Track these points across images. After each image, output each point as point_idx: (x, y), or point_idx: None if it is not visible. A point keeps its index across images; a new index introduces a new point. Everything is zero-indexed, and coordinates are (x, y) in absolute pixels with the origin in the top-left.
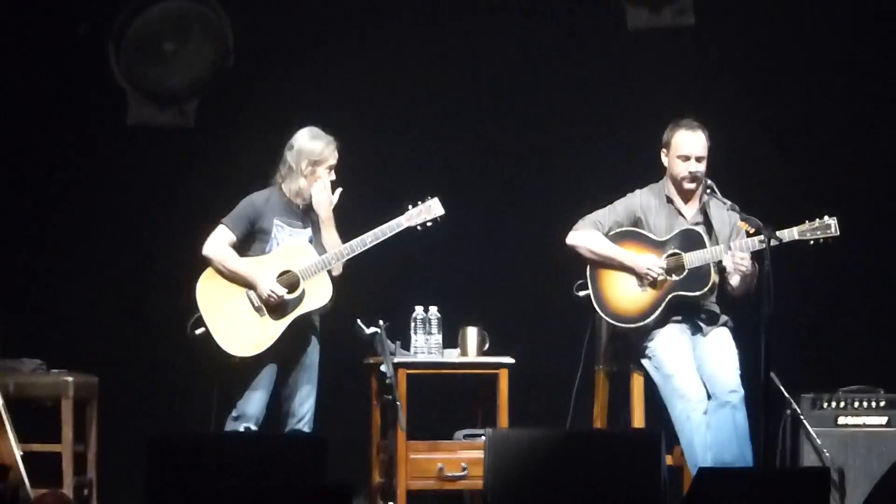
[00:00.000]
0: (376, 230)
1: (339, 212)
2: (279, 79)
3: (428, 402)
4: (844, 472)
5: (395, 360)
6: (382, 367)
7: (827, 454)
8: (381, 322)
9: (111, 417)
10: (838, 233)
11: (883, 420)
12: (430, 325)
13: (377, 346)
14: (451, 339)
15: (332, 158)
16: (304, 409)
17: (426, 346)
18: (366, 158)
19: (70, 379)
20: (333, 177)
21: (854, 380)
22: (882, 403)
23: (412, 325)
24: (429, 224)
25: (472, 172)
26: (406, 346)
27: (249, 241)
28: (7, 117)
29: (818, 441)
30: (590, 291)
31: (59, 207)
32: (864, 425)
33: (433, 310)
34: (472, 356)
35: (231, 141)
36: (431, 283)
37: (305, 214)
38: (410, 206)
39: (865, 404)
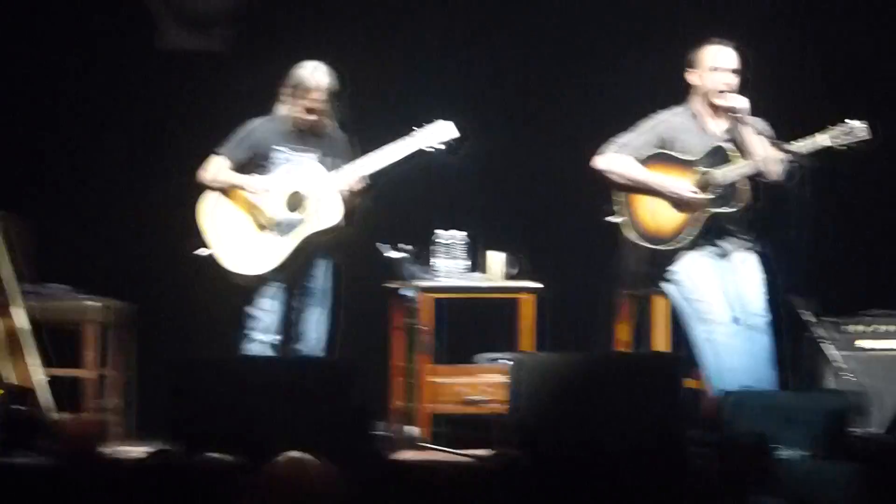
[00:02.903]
0: (385, 148)
1: (360, 138)
2: (310, 6)
3: (452, 325)
4: (866, 395)
5: (422, 283)
6: (406, 291)
7: (848, 377)
8: (406, 246)
9: (137, 343)
10: (869, 136)
11: None
12: (454, 248)
13: (401, 269)
14: (475, 264)
15: (314, 87)
16: (310, 334)
17: (451, 269)
18: (386, 84)
19: (97, 304)
20: (315, 105)
21: (876, 304)
22: None
23: (436, 248)
24: (442, 147)
25: (495, 97)
26: (429, 270)
27: (249, 169)
28: (36, 41)
29: (839, 364)
30: (621, 216)
31: (88, 134)
32: (885, 349)
33: (459, 233)
34: (498, 280)
35: (264, 67)
36: (456, 208)
37: (309, 138)
38: (420, 126)
39: (886, 328)
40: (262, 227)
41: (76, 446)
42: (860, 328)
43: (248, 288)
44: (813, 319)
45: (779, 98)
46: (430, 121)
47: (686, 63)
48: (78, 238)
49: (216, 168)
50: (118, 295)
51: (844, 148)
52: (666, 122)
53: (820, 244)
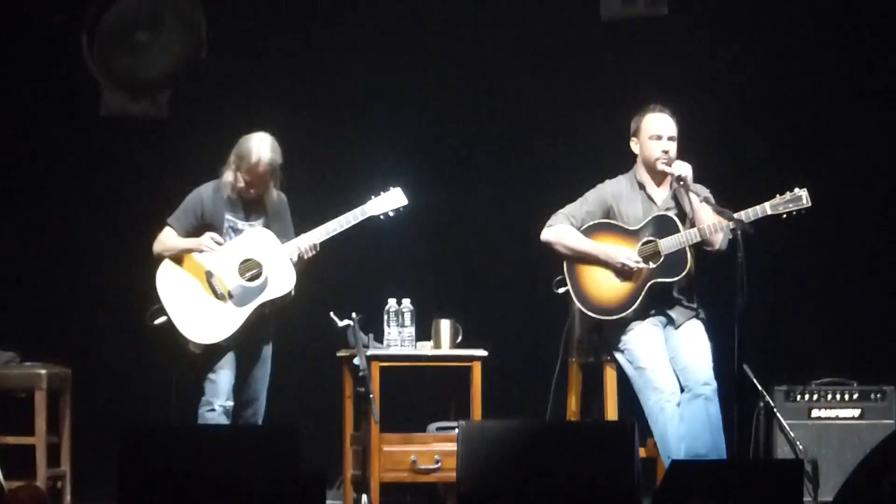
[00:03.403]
0: (339, 218)
1: (308, 205)
2: (251, 70)
3: (401, 394)
4: (818, 464)
5: (369, 352)
6: (355, 360)
7: (800, 446)
8: (354, 314)
9: (84, 409)
10: (810, 203)
11: (856, 412)
12: (403, 317)
13: (350, 338)
14: (425, 331)
15: (256, 162)
16: (258, 402)
17: (399, 338)
18: (335, 150)
19: (43, 371)
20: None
21: (827, 372)
22: (855, 396)
23: (385, 317)
24: (391, 214)
25: (444, 163)
26: (379, 338)
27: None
28: None
29: (791, 433)
30: (569, 287)
31: (30, 199)
32: (837, 418)
33: (406, 302)
34: (446, 349)
35: (204, 132)
36: (404, 276)
37: (253, 206)
38: (373, 196)
39: (838, 397)
40: (217, 295)
41: None
42: (812, 397)
43: (200, 355)
44: (763, 388)
45: (719, 166)
46: (383, 189)
47: (630, 131)
48: (18, 304)
49: (166, 237)
50: (57, 361)
51: (786, 216)
52: (610, 191)
53: (765, 311)
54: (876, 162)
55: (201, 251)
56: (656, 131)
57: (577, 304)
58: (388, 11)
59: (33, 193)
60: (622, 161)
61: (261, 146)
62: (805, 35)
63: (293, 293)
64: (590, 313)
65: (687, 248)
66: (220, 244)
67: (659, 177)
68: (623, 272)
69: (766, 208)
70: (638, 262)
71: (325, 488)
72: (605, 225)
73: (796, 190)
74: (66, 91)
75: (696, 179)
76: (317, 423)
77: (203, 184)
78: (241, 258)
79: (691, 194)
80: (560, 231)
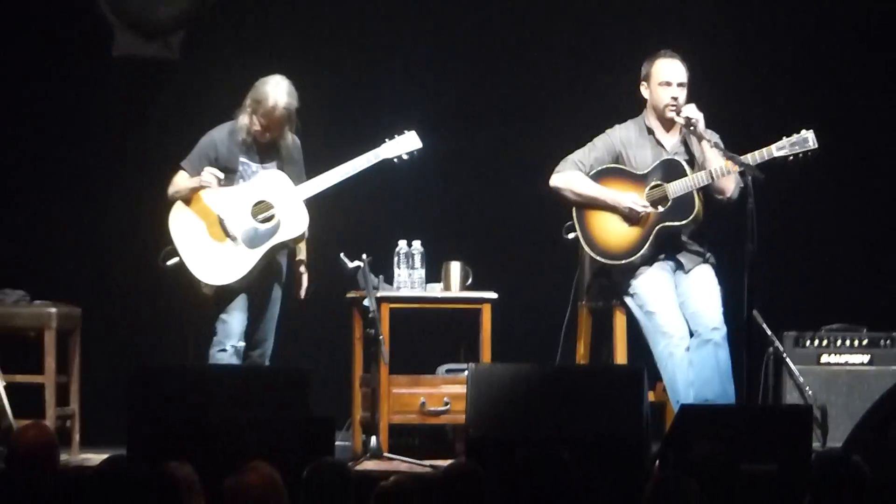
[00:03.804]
0: (353, 161)
1: (322, 147)
2: (265, 12)
3: (411, 336)
4: (827, 410)
5: (379, 294)
6: (365, 302)
7: (809, 392)
8: (364, 256)
9: (94, 349)
10: (816, 145)
11: (865, 358)
12: (413, 259)
13: (360, 279)
14: (435, 274)
15: (273, 105)
16: (267, 343)
17: (409, 280)
18: (349, 93)
19: (53, 310)
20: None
21: (837, 318)
22: (865, 342)
23: (395, 259)
24: (405, 157)
25: (455, 107)
26: (389, 280)
27: None
28: None
29: (801, 379)
30: (578, 232)
31: (42, 139)
32: (847, 363)
33: (416, 244)
34: (456, 291)
35: (217, 75)
36: (415, 218)
37: (268, 150)
38: (387, 139)
39: (848, 343)
40: (230, 237)
41: (34, 453)
42: (822, 343)
43: (212, 296)
44: (772, 334)
45: (726, 111)
46: (398, 132)
47: (640, 76)
48: (29, 243)
49: (179, 179)
50: (68, 300)
51: (793, 158)
52: (618, 137)
53: (776, 257)
54: (889, 104)
55: (203, 187)
56: (666, 77)
57: (587, 249)
58: None
59: (45, 134)
60: (633, 105)
61: (277, 90)
62: None
63: (306, 235)
64: (598, 258)
65: (695, 192)
66: (218, 177)
67: (668, 123)
68: (631, 217)
69: (773, 150)
70: (645, 207)
71: (335, 429)
72: (614, 170)
73: (802, 132)
74: (78, 32)
75: (705, 125)
76: (326, 364)
77: (216, 126)
78: (253, 200)
79: (702, 140)
80: (568, 177)
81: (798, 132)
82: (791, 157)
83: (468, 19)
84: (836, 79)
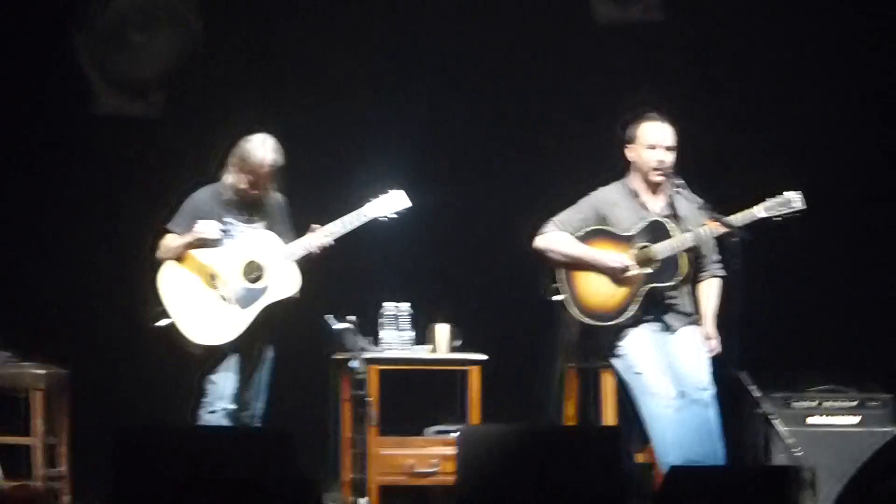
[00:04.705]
0: (341, 220)
1: (306, 205)
2: (248, 70)
3: (399, 398)
4: (815, 471)
5: (367, 355)
6: (353, 363)
7: (798, 453)
8: (351, 317)
9: (83, 410)
10: (804, 206)
11: (854, 420)
12: (400, 320)
13: (346, 341)
14: (422, 335)
15: (259, 163)
16: (258, 403)
17: (397, 341)
18: (336, 151)
19: (41, 371)
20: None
21: (825, 380)
22: (854, 403)
23: (382, 320)
24: (393, 216)
25: (443, 167)
26: (375, 342)
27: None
28: None
29: (789, 440)
30: (562, 294)
31: (27, 198)
32: (836, 425)
33: (404, 305)
34: (444, 352)
35: (200, 133)
36: (402, 279)
37: (254, 209)
38: (374, 198)
39: (836, 404)
40: (222, 297)
41: None
42: (809, 404)
43: (199, 357)
44: (760, 395)
45: (710, 172)
46: (383, 191)
47: (625, 139)
48: (15, 304)
49: (168, 241)
50: (55, 361)
51: (779, 219)
52: (604, 198)
53: (759, 318)
54: (872, 164)
55: (200, 237)
56: (652, 141)
57: (573, 310)
58: (385, 11)
59: (30, 192)
60: (617, 168)
61: (264, 147)
62: (798, 37)
63: (298, 295)
64: (585, 319)
65: (682, 253)
66: (208, 236)
67: (653, 186)
68: (618, 278)
69: (761, 211)
70: (633, 266)
71: (321, 491)
72: (600, 231)
73: (787, 193)
74: (62, 91)
75: (690, 185)
76: (313, 425)
77: (199, 187)
78: (244, 260)
79: (686, 198)
80: (554, 238)
81: (782, 193)
82: (778, 218)
83: (453, 79)
84: (822, 138)
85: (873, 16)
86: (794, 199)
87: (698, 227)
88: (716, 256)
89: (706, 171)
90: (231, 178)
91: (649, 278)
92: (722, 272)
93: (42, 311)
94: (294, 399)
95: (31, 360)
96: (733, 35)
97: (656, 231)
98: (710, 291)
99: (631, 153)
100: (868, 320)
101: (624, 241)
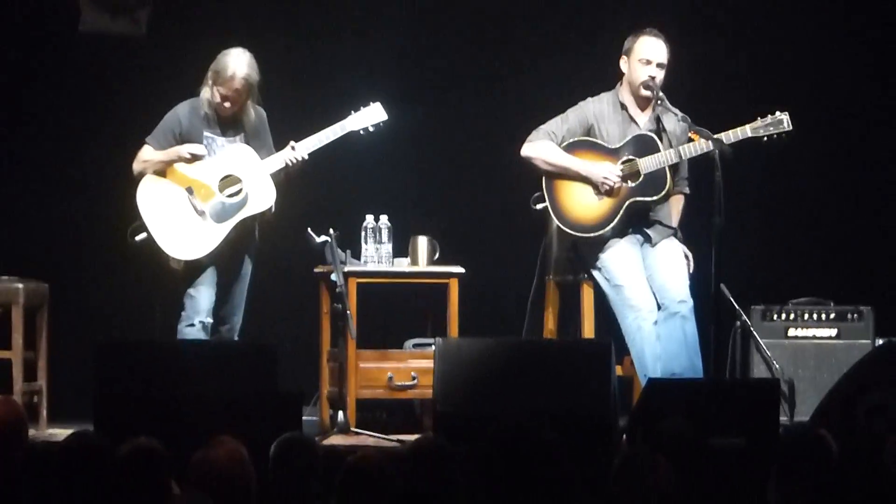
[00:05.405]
0: (319, 133)
1: (287, 120)
2: None
3: (378, 311)
4: (794, 384)
5: (346, 268)
6: (333, 276)
7: (777, 366)
8: (331, 231)
9: (62, 325)
10: (791, 127)
11: (832, 332)
12: (380, 234)
13: (327, 254)
14: (402, 248)
15: (230, 76)
16: (235, 317)
17: (377, 255)
18: (314, 65)
19: (20, 286)
20: (231, 94)
21: (804, 292)
22: (832, 315)
23: (362, 234)
24: (371, 129)
25: (423, 79)
26: (357, 255)
27: None
28: None
29: (768, 352)
30: (547, 203)
31: (8, 115)
32: (814, 337)
33: (383, 219)
34: (423, 266)
35: (183, 50)
36: (382, 193)
37: (231, 124)
38: (353, 111)
39: (815, 316)
40: (198, 211)
41: (2, 428)
42: (789, 317)
43: (181, 271)
44: (739, 308)
45: (702, 90)
46: (363, 104)
47: (623, 49)
48: None
49: (145, 154)
50: (35, 276)
51: (767, 139)
52: (591, 110)
53: (743, 232)
54: (854, 83)
55: (181, 159)
56: (647, 55)
57: (555, 220)
58: None
59: (11, 110)
60: (603, 82)
61: (237, 61)
62: None
63: (273, 209)
64: (567, 230)
65: (667, 169)
66: (196, 155)
67: (642, 100)
68: (603, 189)
69: (747, 130)
70: (618, 178)
71: (302, 404)
72: (586, 142)
73: (777, 113)
74: (44, 8)
75: (678, 103)
76: (294, 339)
77: (180, 102)
78: (220, 174)
79: (668, 111)
80: (540, 146)
81: (773, 113)
82: (765, 138)
83: None
84: (811, 61)
85: None
86: (782, 120)
87: (684, 142)
88: (685, 173)
89: (695, 90)
90: (206, 93)
91: (634, 192)
92: (687, 189)
93: (21, 225)
94: (276, 314)
95: (9, 274)
96: None
97: (643, 145)
98: (677, 207)
99: (624, 65)
100: (848, 234)
101: (610, 153)
